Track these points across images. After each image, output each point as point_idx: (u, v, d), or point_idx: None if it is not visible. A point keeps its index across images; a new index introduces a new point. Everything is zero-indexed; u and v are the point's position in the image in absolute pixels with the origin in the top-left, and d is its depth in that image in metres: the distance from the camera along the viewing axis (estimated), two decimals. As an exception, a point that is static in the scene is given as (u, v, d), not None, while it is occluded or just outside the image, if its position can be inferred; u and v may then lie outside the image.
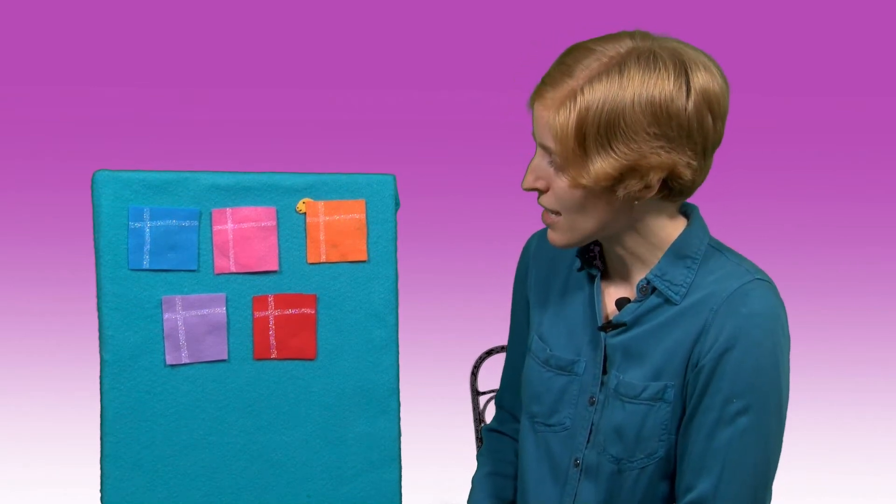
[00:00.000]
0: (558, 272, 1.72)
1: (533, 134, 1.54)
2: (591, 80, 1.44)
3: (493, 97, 2.71)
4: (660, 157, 1.44)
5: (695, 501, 1.53)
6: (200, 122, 2.80)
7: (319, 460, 1.68)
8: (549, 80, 1.48)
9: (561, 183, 1.50)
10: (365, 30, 2.86)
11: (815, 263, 2.88)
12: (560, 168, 1.49)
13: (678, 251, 1.56)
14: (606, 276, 1.64)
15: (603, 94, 1.43)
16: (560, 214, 1.54)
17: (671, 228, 1.57)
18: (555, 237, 1.57)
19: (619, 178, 1.46)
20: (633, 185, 1.46)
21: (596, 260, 1.64)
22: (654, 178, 1.46)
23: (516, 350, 1.83)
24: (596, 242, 1.65)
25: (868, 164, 2.91)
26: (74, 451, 2.28)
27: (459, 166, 2.83)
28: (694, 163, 1.47)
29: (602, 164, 1.45)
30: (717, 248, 1.59)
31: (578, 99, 1.44)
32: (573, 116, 1.44)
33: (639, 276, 1.59)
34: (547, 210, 1.56)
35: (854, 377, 2.85)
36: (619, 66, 1.44)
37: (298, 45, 2.85)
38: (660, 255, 1.57)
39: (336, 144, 2.77)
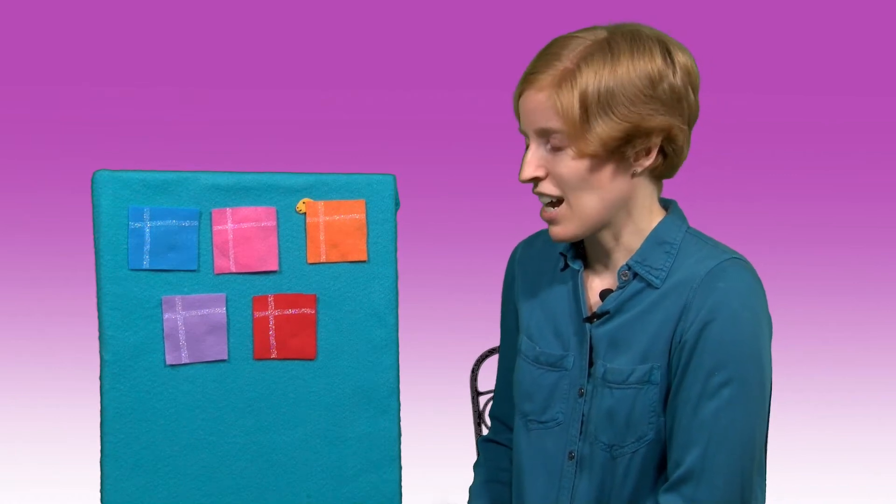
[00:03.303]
0: (543, 274, 1.74)
1: (521, 128, 1.59)
2: (584, 59, 1.52)
3: (493, 97, 2.71)
4: (656, 119, 1.52)
5: (684, 475, 1.54)
6: (200, 122, 2.80)
7: (319, 460, 1.68)
8: (537, 69, 1.55)
9: (565, 159, 1.54)
10: (364, 30, 2.86)
11: (814, 263, 2.88)
12: (564, 145, 1.53)
13: (657, 238, 1.61)
14: (590, 271, 1.67)
15: (598, 68, 1.51)
16: (562, 202, 1.57)
17: (654, 217, 1.62)
18: (559, 230, 1.59)
19: (626, 139, 1.52)
20: (640, 143, 1.53)
21: (578, 256, 1.68)
22: (654, 141, 1.53)
23: (508, 361, 1.83)
24: (580, 241, 1.67)
25: (867, 164, 2.91)
26: (74, 451, 2.28)
27: (459, 166, 2.83)
28: (684, 128, 1.56)
29: (606, 129, 1.51)
30: (695, 235, 1.64)
31: (577, 76, 1.51)
32: (576, 91, 1.51)
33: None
34: (547, 201, 1.58)
35: (853, 377, 2.85)
36: (607, 45, 1.52)
37: (298, 46, 2.85)
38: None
39: (336, 144, 2.77)
